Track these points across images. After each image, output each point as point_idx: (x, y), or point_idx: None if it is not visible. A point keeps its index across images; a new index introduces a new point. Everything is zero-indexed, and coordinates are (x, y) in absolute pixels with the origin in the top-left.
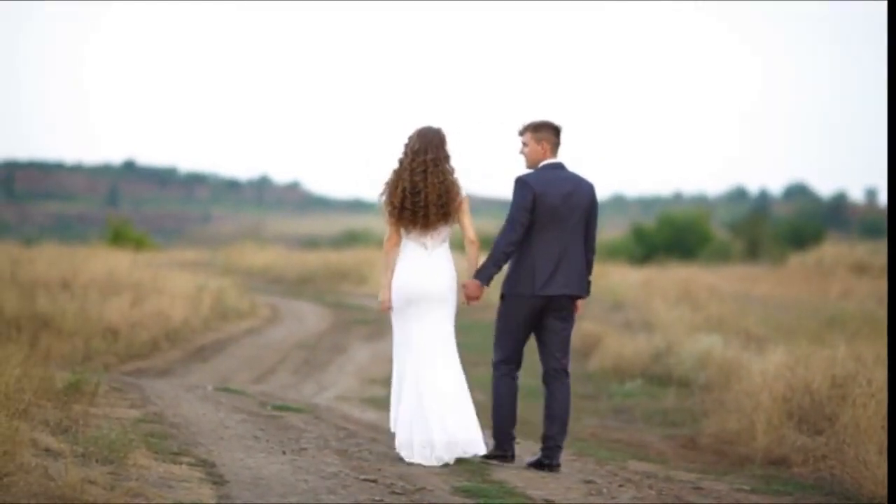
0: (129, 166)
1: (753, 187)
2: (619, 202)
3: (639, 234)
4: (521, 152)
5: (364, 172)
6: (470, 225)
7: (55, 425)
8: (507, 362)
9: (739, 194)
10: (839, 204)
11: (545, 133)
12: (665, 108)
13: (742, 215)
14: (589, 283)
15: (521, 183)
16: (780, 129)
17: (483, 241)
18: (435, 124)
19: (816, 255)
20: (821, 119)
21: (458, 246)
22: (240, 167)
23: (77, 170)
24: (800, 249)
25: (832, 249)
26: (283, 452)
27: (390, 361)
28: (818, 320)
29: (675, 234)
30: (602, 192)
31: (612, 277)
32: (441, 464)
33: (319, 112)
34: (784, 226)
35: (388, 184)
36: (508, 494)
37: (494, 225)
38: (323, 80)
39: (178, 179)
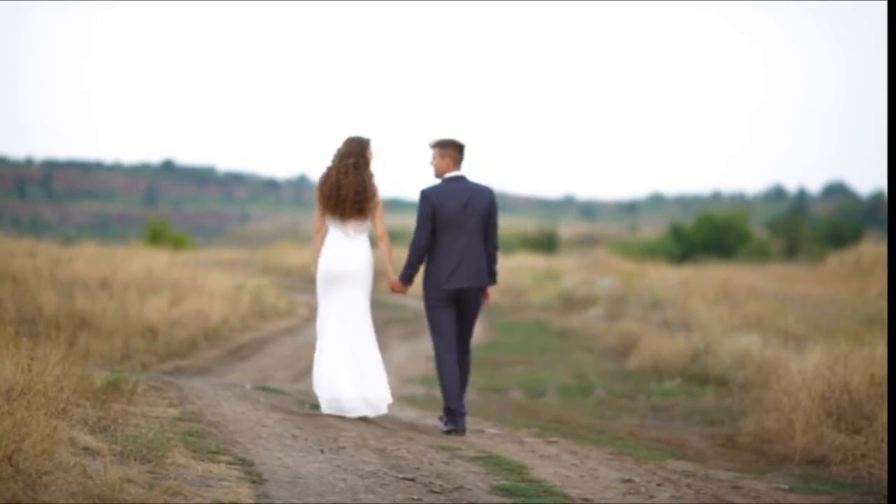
0: (168, 166)
1: (792, 186)
2: (657, 201)
3: (677, 233)
4: (431, 164)
5: (400, 172)
6: (380, 223)
7: (94, 424)
8: (441, 345)
9: (778, 193)
10: (878, 203)
11: (449, 150)
12: (705, 107)
13: (781, 214)
14: (494, 272)
15: (422, 196)
16: (820, 127)
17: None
18: (364, 134)
19: (855, 254)
20: (860, 118)
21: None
22: (278, 166)
23: (116, 169)
24: (838, 248)
25: (871, 248)
26: (322, 451)
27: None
28: (857, 319)
29: (713, 233)
30: (640, 191)
31: (650, 276)
32: (356, 416)
33: (357, 112)
34: (823, 225)
35: (321, 179)
36: (546, 493)
37: (527, 223)
38: (361, 80)
39: (216, 179)
